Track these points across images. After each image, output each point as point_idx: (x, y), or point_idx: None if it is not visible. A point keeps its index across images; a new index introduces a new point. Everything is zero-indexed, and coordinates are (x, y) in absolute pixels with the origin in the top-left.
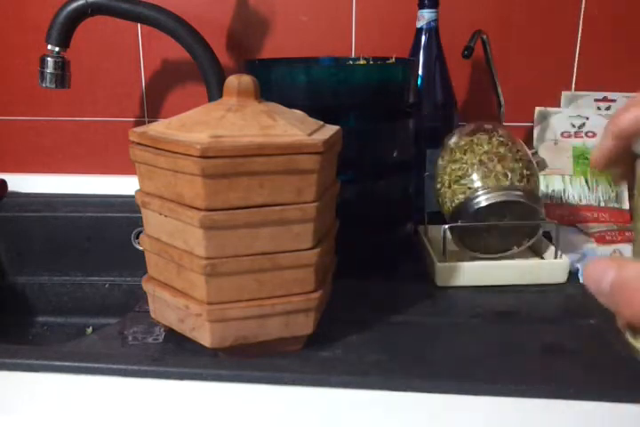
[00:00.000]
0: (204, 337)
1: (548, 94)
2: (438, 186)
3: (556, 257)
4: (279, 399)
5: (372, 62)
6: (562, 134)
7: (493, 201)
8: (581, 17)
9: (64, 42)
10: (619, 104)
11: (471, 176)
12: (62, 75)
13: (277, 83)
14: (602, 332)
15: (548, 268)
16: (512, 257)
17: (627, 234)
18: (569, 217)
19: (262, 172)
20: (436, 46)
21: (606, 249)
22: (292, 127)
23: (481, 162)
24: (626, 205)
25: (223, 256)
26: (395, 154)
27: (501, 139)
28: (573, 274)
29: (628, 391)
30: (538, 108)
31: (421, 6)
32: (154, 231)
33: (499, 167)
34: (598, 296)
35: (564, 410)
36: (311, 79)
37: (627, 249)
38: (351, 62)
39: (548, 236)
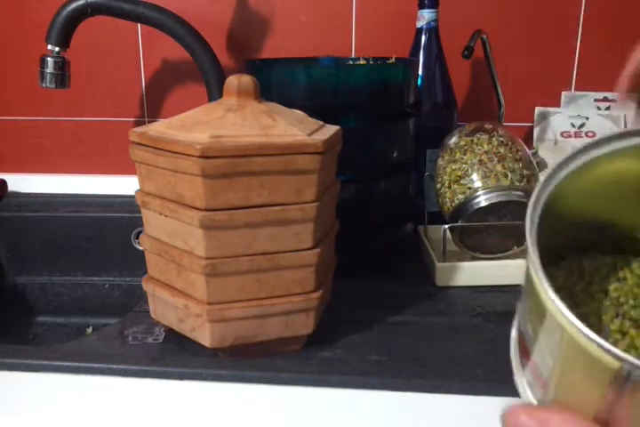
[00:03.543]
0: (204, 337)
1: (548, 94)
2: (438, 186)
3: None
4: (279, 399)
5: (372, 62)
6: (562, 134)
7: (493, 201)
8: (581, 17)
9: (64, 42)
10: (618, 104)
11: (471, 176)
12: (62, 75)
13: (277, 83)
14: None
15: None
16: (512, 257)
17: None
18: None
19: (262, 172)
20: (436, 46)
21: None
22: (292, 127)
23: (481, 162)
24: None
25: (223, 256)
26: (395, 154)
27: (501, 139)
28: None
29: None
30: (538, 108)
31: (421, 6)
32: (154, 231)
33: (499, 167)
34: None
35: None
36: (311, 79)
37: None
38: (351, 62)
39: None
